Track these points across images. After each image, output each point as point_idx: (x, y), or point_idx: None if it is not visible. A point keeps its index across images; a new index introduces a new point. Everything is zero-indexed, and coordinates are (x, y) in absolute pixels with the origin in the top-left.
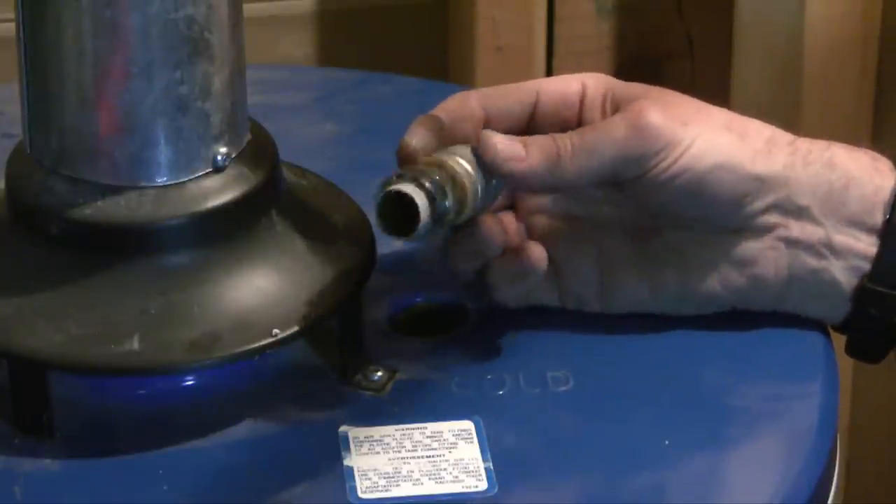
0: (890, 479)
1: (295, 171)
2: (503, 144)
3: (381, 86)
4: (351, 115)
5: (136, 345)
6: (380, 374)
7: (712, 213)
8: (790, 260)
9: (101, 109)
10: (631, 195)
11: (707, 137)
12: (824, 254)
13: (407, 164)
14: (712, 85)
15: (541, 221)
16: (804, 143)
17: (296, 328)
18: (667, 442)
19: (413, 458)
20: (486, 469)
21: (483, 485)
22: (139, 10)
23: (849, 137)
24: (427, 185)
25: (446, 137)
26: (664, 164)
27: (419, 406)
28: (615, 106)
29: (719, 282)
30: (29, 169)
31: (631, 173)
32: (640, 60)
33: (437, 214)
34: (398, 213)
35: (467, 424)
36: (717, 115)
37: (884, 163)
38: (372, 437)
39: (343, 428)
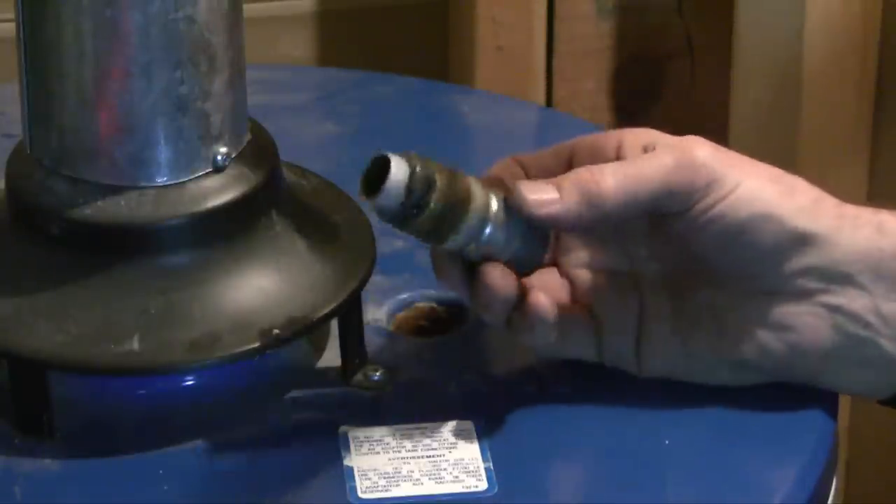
0: (890, 479)
1: (295, 171)
2: (530, 190)
3: (381, 86)
4: (351, 115)
5: (136, 345)
6: (380, 374)
7: (750, 268)
8: (831, 328)
9: (101, 109)
10: (672, 240)
11: (753, 185)
12: (872, 323)
13: None
14: (712, 85)
15: (583, 276)
16: (852, 208)
17: (296, 328)
18: (667, 442)
19: (413, 458)
20: (486, 469)
21: (483, 485)
22: (139, 10)
23: (849, 138)
24: (417, 168)
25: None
26: (707, 202)
27: (419, 406)
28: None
29: (754, 347)
30: (29, 169)
31: (674, 207)
32: (640, 60)
33: (412, 198)
34: (380, 183)
35: (467, 424)
36: (765, 168)
37: None
38: (372, 437)
39: (343, 428)
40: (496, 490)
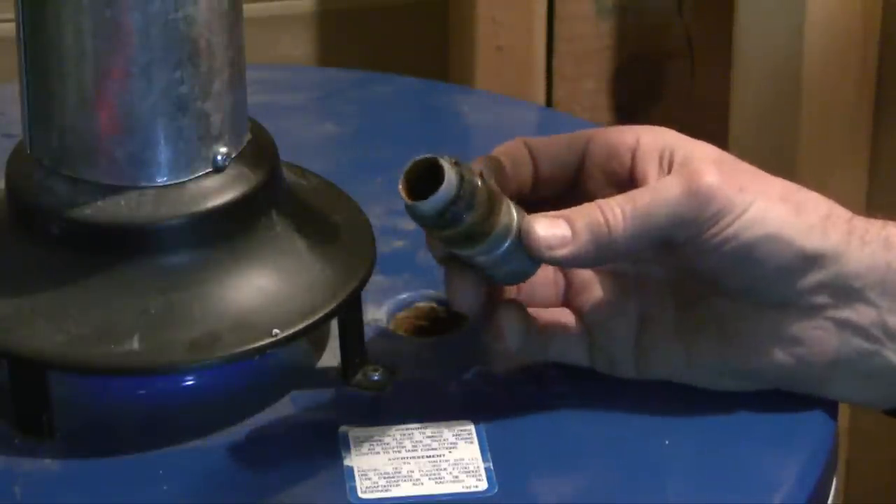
0: (890, 479)
1: (295, 171)
2: (546, 231)
3: (381, 86)
4: (351, 115)
5: (136, 345)
6: (380, 374)
7: (759, 285)
8: (839, 341)
9: (101, 109)
10: (681, 258)
11: (762, 206)
12: (878, 336)
13: None
14: (712, 85)
15: (582, 276)
16: (861, 222)
17: (296, 328)
18: (667, 442)
19: (413, 458)
20: (486, 469)
21: (483, 485)
22: (139, 9)
23: (849, 138)
24: (464, 187)
25: (504, 180)
26: (716, 229)
27: (419, 406)
28: (671, 163)
29: (761, 357)
30: (29, 169)
31: (683, 236)
32: (640, 60)
33: (448, 216)
34: (423, 183)
35: (467, 424)
36: (775, 185)
37: None
38: (372, 437)
39: (343, 428)
40: (496, 490)
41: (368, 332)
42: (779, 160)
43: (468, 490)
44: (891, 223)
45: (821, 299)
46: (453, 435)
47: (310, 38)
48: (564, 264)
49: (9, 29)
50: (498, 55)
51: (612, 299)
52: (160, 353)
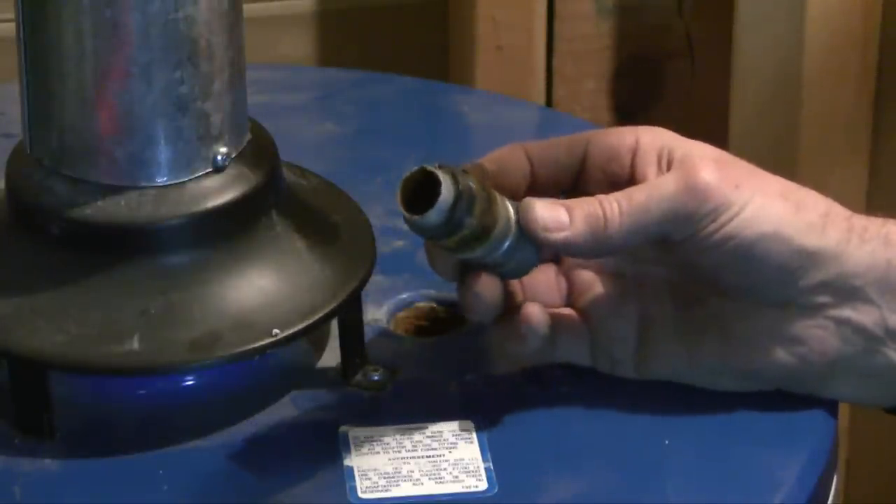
0: (890, 479)
1: (295, 171)
2: (544, 212)
3: (381, 86)
4: (351, 115)
5: (136, 345)
6: (380, 374)
7: (759, 284)
8: (840, 340)
9: (101, 109)
10: (680, 257)
11: (760, 204)
12: (878, 335)
13: None
14: (712, 84)
15: (583, 277)
16: (860, 220)
17: (296, 328)
18: (667, 442)
19: (413, 458)
20: (486, 469)
21: (483, 485)
22: (139, 10)
23: (849, 137)
24: (462, 196)
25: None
26: (713, 227)
27: (419, 406)
28: (670, 162)
29: (761, 357)
30: (29, 169)
31: (679, 234)
32: (640, 60)
33: (448, 227)
34: (418, 197)
35: (467, 424)
36: (773, 182)
37: None
38: (372, 437)
39: (343, 428)
40: (496, 490)
41: (368, 332)
42: (779, 160)
43: (468, 490)
44: (890, 221)
45: (821, 298)
46: (453, 435)
47: (310, 38)
48: (560, 250)
49: (9, 29)
50: (498, 55)
51: (613, 300)
52: (160, 353)
